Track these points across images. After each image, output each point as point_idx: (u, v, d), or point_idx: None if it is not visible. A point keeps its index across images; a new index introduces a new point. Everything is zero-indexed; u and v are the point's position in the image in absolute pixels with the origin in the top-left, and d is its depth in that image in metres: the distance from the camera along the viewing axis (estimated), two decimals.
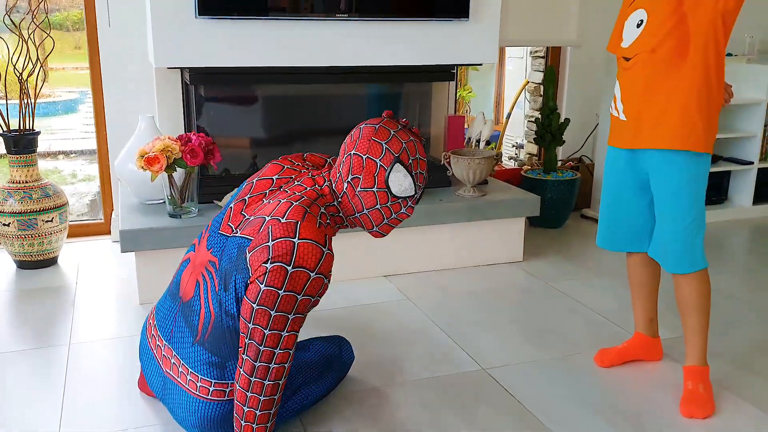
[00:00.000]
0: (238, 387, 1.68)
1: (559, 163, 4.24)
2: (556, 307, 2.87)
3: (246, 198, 1.86)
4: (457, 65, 3.26)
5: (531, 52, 4.79)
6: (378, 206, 1.78)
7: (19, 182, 3.11)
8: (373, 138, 1.75)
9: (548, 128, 3.94)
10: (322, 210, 1.76)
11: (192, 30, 2.78)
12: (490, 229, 3.29)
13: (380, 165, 1.74)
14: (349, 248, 3.06)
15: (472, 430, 1.99)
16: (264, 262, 1.62)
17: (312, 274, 1.62)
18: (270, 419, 1.71)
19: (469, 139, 3.60)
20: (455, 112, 3.76)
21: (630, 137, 2.12)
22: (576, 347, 2.52)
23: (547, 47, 4.50)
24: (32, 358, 2.38)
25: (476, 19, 3.15)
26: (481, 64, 3.33)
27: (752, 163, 4.20)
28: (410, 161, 1.74)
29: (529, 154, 4.81)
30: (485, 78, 5.69)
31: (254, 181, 1.91)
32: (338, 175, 1.80)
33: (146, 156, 2.71)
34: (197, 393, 1.80)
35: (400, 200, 1.78)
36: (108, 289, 2.99)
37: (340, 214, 1.82)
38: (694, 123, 2.00)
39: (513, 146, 5.21)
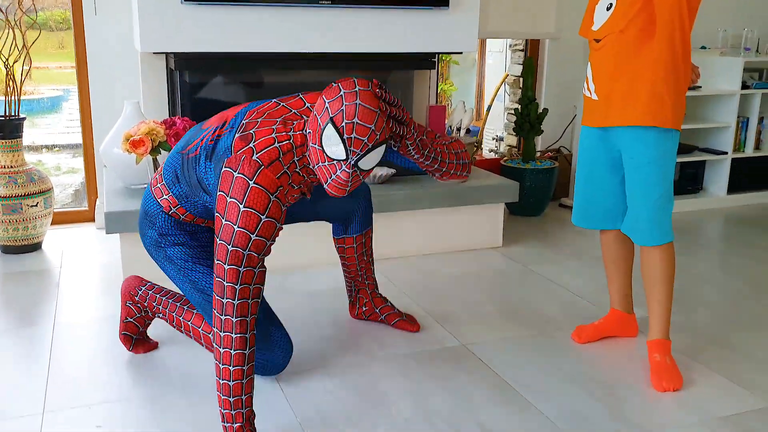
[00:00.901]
0: (214, 329, 1.75)
1: (538, 154, 4.32)
2: (533, 289, 2.94)
3: (281, 104, 1.89)
4: (437, 53, 3.32)
5: (511, 46, 4.87)
6: (320, 164, 1.76)
7: (5, 167, 3.13)
8: (323, 95, 1.74)
9: (527, 118, 4.02)
10: (296, 159, 1.80)
11: (178, 15, 2.82)
12: (471, 214, 3.35)
13: (319, 122, 1.72)
14: None
15: (453, 399, 2.05)
16: (225, 192, 1.73)
17: (263, 217, 1.71)
18: (245, 362, 1.74)
19: (450, 127, 3.67)
20: (436, 103, 3.82)
21: (601, 116, 2.20)
22: (552, 325, 2.59)
23: (527, 40, 4.59)
24: (16, 338, 2.40)
25: (456, 8, 3.22)
26: (461, 53, 3.39)
27: (726, 153, 4.30)
28: (343, 124, 1.67)
29: (509, 146, 4.88)
30: (467, 73, 5.77)
31: (299, 95, 1.93)
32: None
33: (131, 139, 2.75)
34: (152, 181, 2.10)
35: (334, 161, 1.71)
36: (92, 273, 3.01)
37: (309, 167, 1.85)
38: (661, 100, 2.08)
39: (493, 139, 5.28)
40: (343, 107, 1.68)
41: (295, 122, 1.83)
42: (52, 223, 3.47)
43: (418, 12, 3.16)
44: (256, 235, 1.71)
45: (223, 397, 1.75)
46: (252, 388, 1.79)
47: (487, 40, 5.40)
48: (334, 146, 1.69)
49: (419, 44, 3.21)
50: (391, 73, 3.50)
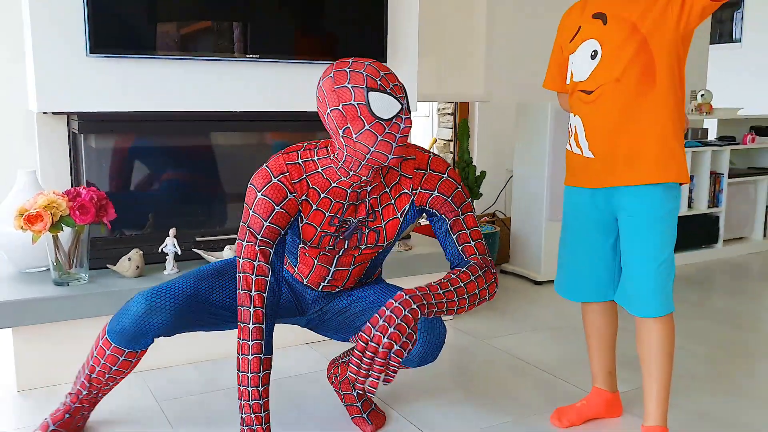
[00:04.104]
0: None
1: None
2: (498, 367, 2.64)
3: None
4: None
5: (438, 110, 4.72)
6: (353, 140, 1.65)
7: None
8: (334, 88, 1.64)
9: (465, 181, 3.81)
10: (315, 158, 1.75)
11: (83, 69, 2.45)
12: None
13: (356, 104, 1.62)
14: None
15: None
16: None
17: (258, 194, 1.72)
18: (250, 337, 1.70)
19: None
20: None
21: (599, 175, 1.96)
22: (528, 408, 2.29)
23: (456, 103, 4.45)
24: None
25: (394, 64, 3.00)
26: None
27: None
28: (378, 81, 1.63)
29: None
30: None
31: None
32: (332, 139, 1.73)
33: (27, 214, 2.31)
34: None
35: (377, 122, 1.64)
36: None
37: (342, 167, 1.72)
38: (673, 152, 1.89)
39: None
40: (364, 73, 1.63)
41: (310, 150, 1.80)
42: None
43: None
44: (252, 211, 1.72)
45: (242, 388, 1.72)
46: (268, 379, 1.74)
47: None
48: (385, 104, 1.63)
49: None
50: (322, 133, 3.21)
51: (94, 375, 1.95)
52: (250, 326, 1.69)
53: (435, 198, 1.78)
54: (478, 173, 3.91)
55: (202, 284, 1.90)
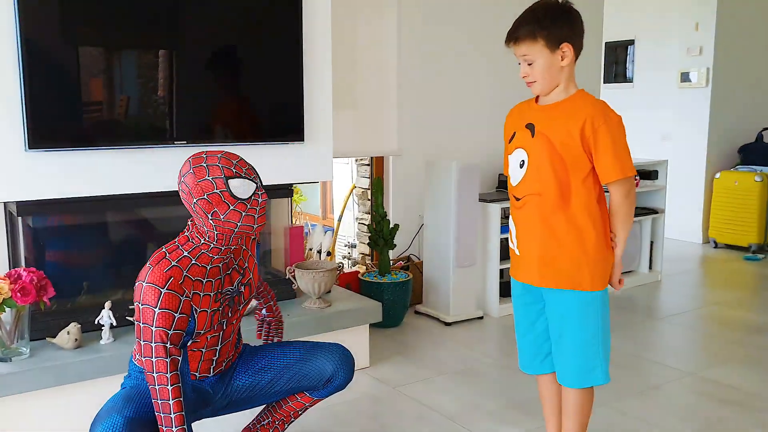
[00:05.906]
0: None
1: (391, 263, 4.46)
2: (407, 415, 2.98)
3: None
4: (294, 184, 3.38)
5: (357, 160, 5.06)
6: (228, 221, 1.96)
7: None
8: (194, 181, 1.92)
9: (380, 234, 4.16)
10: (186, 254, 1.98)
11: (22, 162, 2.66)
12: (337, 339, 3.37)
13: (219, 192, 1.92)
14: None
15: None
16: (135, 301, 1.92)
17: (156, 310, 1.87)
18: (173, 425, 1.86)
19: (310, 249, 3.71)
20: (292, 223, 3.86)
21: (523, 272, 2.24)
22: None
23: (372, 158, 4.79)
24: None
25: (310, 141, 3.32)
26: (317, 182, 3.48)
27: None
28: (233, 170, 1.95)
29: (362, 254, 5.00)
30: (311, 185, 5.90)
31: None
32: (200, 224, 1.99)
33: None
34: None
35: (240, 202, 1.95)
36: None
37: (214, 246, 2.00)
38: (579, 263, 2.11)
39: (346, 246, 5.40)
40: (220, 165, 1.93)
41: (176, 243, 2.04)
42: None
43: (274, 147, 3.21)
44: (155, 326, 1.86)
45: None
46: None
47: None
48: (245, 188, 1.94)
49: (277, 176, 3.26)
50: None
51: None
52: (174, 429, 1.84)
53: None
54: (392, 225, 4.26)
55: (126, 412, 1.94)
